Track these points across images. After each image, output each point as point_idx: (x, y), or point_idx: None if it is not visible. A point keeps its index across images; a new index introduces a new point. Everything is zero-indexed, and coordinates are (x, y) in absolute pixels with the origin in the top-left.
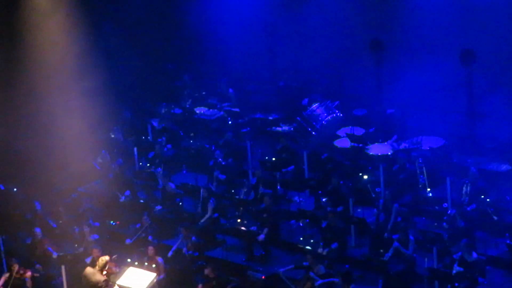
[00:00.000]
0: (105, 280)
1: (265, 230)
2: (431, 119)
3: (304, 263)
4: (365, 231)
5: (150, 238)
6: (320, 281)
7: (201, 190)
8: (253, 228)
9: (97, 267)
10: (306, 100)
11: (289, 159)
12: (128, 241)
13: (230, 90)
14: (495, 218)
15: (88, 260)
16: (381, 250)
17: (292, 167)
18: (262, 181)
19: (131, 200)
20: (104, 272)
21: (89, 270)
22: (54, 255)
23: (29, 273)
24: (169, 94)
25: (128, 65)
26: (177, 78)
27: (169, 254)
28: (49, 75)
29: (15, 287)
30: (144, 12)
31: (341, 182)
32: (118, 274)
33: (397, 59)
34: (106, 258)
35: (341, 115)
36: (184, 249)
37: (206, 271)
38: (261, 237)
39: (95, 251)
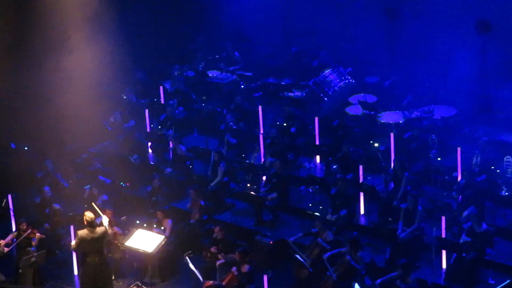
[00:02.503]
0: (105, 229)
1: (274, 195)
2: (444, 87)
3: (313, 230)
4: (374, 199)
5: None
6: (328, 253)
7: (212, 154)
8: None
9: (87, 225)
10: (316, 62)
11: (295, 127)
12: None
13: (236, 54)
14: (504, 189)
15: (98, 221)
16: (390, 219)
17: (294, 129)
18: (273, 146)
19: (142, 162)
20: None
21: (83, 232)
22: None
23: (38, 234)
24: (182, 56)
25: (141, 26)
26: (190, 40)
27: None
28: (61, 34)
29: (21, 246)
30: None
31: (352, 149)
32: (126, 236)
33: (411, 27)
34: (89, 213)
35: (353, 81)
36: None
37: (215, 232)
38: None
39: (108, 212)
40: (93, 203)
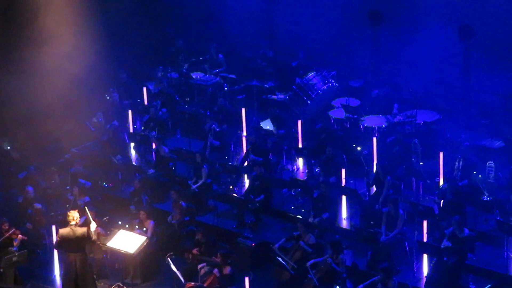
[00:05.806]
0: (87, 231)
1: (262, 197)
2: (426, 92)
3: (295, 233)
4: (356, 202)
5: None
6: (311, 261)
7: (196, 155)
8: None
9: (70, 223)
10: (296, 62)
11: (282, 129)
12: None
13: (220, 56)
14: (486, 194)
15: (81, 221)
16: (372, 222)
17: (283, 131)
18: (254, 148)
19: (124, 163)
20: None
21: (64, 230)
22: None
23: (20, 236)
24: (166, 57)
25: (126, 28)
26: (171, 43)
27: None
28: (46, 35)
29: (3, 246)
30: None
31: (335, 152)
32: (108, 236)
33: (395, 31)
34: (74, 212)
35: (337, 85)
36: (169, 217)
37: (197, 236)
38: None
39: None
40: (86, 208)
